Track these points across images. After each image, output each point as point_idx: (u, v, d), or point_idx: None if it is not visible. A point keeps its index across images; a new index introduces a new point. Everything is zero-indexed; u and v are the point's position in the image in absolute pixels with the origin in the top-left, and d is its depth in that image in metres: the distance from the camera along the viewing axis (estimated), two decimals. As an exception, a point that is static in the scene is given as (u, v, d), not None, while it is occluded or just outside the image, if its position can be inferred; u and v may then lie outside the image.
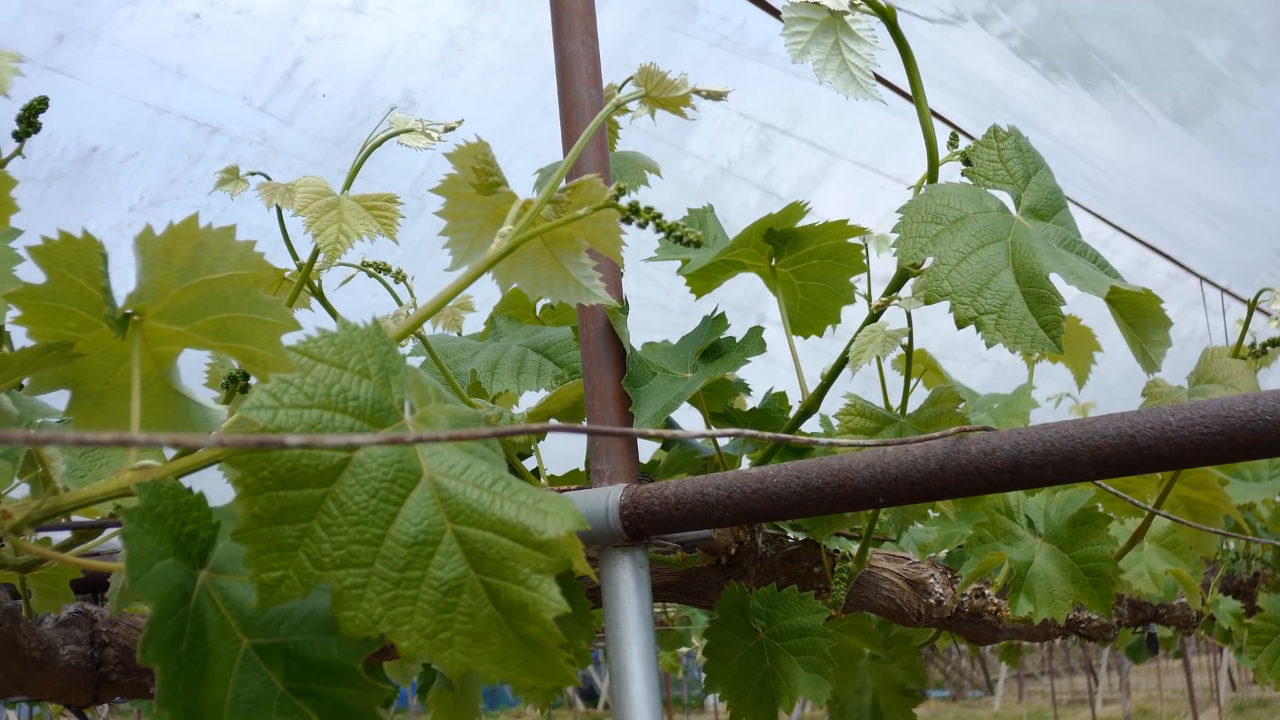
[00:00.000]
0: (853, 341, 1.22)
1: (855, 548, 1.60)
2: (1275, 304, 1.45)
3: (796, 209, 1.31)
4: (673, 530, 1.17)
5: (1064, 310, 1.09)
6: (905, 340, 1.22)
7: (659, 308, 2.72)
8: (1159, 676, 20.13)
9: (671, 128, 2.37)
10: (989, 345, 1.09)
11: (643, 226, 0.82)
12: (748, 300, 3.03)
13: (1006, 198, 1.17)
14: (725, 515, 1.12)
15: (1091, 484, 1.58)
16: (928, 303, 1.13)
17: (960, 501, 1.81)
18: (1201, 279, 4.15)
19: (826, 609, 1.32)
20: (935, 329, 3.68)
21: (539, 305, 1.74)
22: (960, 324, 1.10)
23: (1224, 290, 4.61)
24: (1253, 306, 1.54)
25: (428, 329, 1.77)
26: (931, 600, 1.66)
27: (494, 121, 2.54)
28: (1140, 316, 1.18)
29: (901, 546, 1.61)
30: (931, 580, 1.67)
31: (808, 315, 1.45)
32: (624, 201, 0.89)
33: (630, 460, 1.25)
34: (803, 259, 1.38)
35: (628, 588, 1.19)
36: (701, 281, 1.48)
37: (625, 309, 1.27)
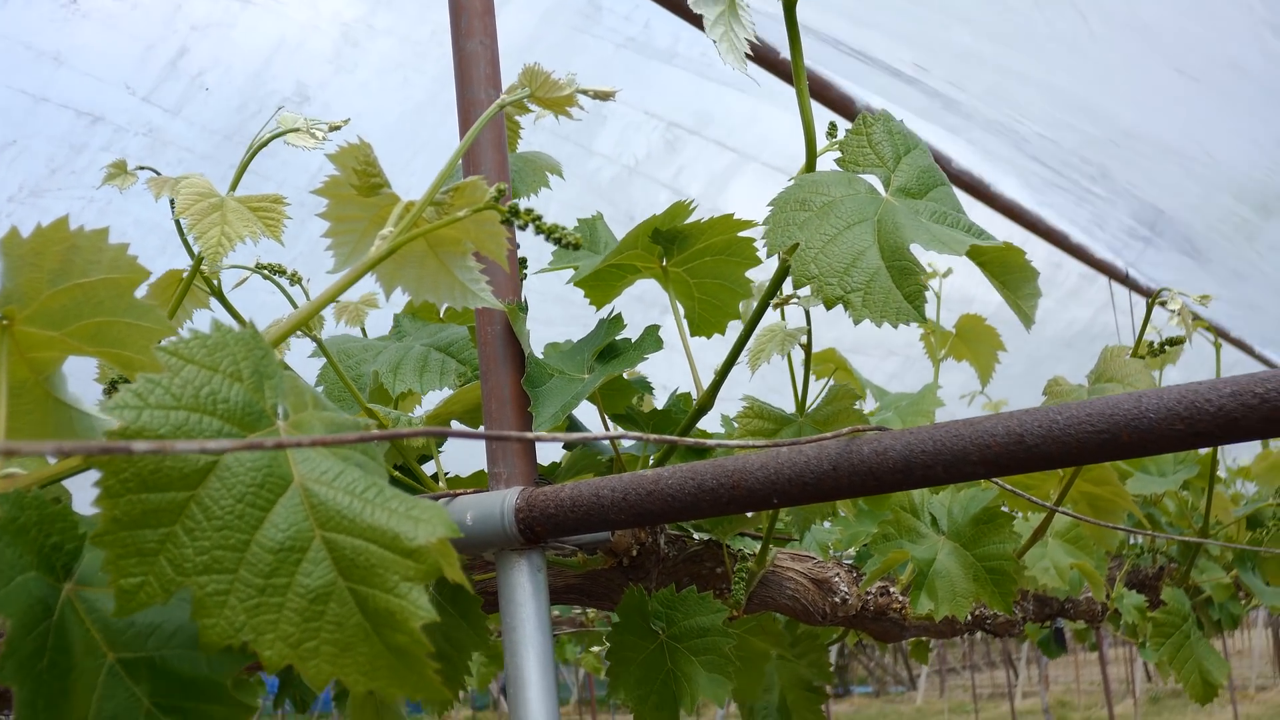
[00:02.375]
0: (747, 339, 1.22)
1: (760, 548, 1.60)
2: (1174, 303, 1.47)
3: (681, 208, 1.31)
4: (569, 533, 1.16)
5: (930, 282, 1.10)
6: (804, 339, 1.22)
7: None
8: (1077, 669, 20.46)
9: (577, 128, 2.35)
10: (856, 321, 1.10)
11: (522, 228, 0.81)
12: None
13: (876, 180, 1.17)
14: (621, 517, 1.12)
15: (994, 483, 1.59)
16: (826, 305, 1.13)
17: (867, 500, 1.82)
18: (1112, 277, 4.22)
19: (726, 609, 1.31)
20: (848, 326, 3.71)
21: (443, 306, 1.73)
22: (828, 304, 1.10)
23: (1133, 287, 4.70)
24: (1152, 304, 1.56)
25: (331, 327, 1.75)
26: (836, 599, 1.67)
27: (393, 119, 2.51)
28: (1009, 273, 1.19)
29: (804, 545, 1.62)
30: (836, 579, 1.67)
31: (707, 314, 1.45)
32: (522, 206, 0.88)
33: (528, 463, 1.24)
34: (694, 257, 1.37)
35: (524, 591, 1.18)
36: (598, 291, 1.47)
37: (524, 309, 1.26)
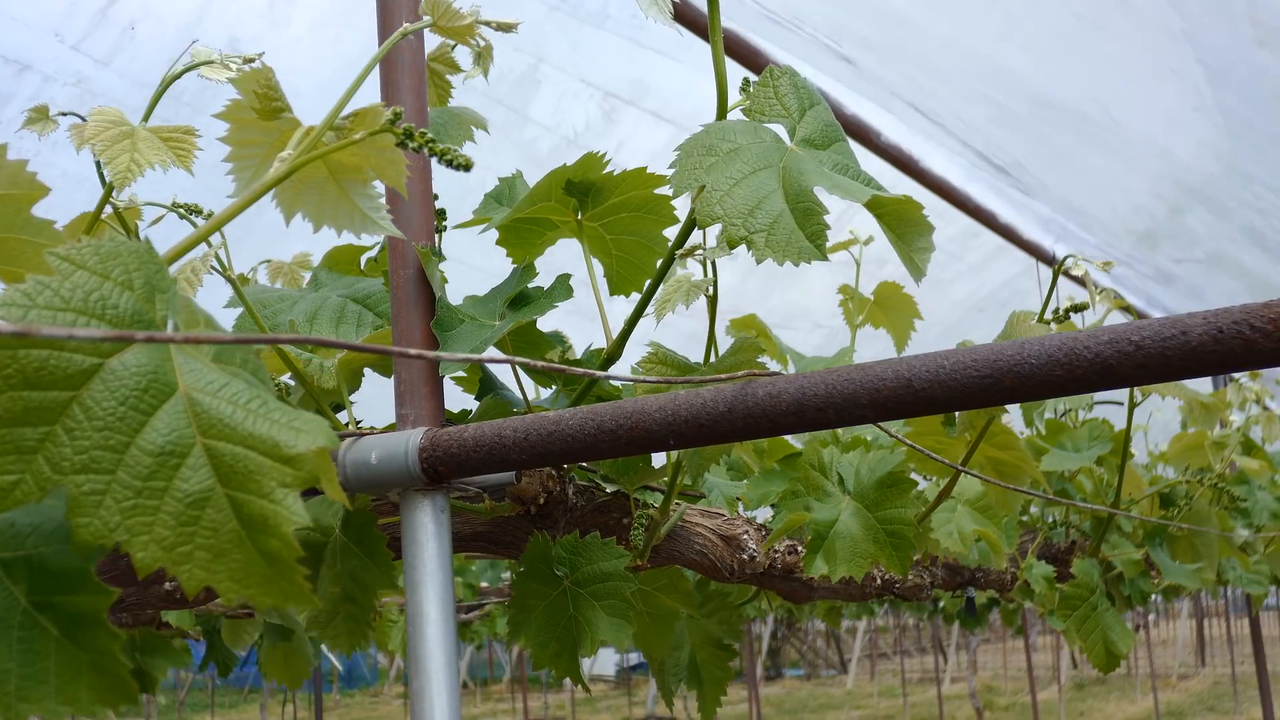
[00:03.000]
0: (655, 290, 1.24)
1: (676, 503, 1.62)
2: (1077, 269, 1.50)
3: (593, 159, 1.32)
4: (472, 473, 1.18)
5: (829, 225, 1.12)
6: (710, 290, 1.23)
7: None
8: (1005, 656, 20.75)
9: (511, 90, 2.35)
10: (759, 260, 1.12)
11: (417, 151, 0.82)
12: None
13: (782, 130, 1.20)
14: (522, 457, 1.13)
15: (902, 444, 1.62)
16: (730, 245, 1.15)
17: (781, 460, 1.85)
18: (1037, 258, 4.28)
19: (628, 554, 1.33)
20: (782, 299, 3.77)
21: (363, 259, 1.73)
22: (732, 244, 1.12)
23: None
24: (1058, 272, 1.60)
25: (265, 282, 1.75)
26: (745, 556, 1.69)
27: (327, 75, 2.50)
28: (905, 225, 1.22)
29: (712, 502, 1.64)
30: (745, 536, 1.70)
31: (625, 272, 1.46)
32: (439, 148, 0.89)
33: (435, 405, 1.25)
34: (610, 212, 1.39)
35: (426, 531, 1.19)
36: (520, 249, 1.48)
37: (437, 253, 1.27)
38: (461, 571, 5.73)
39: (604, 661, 23.91)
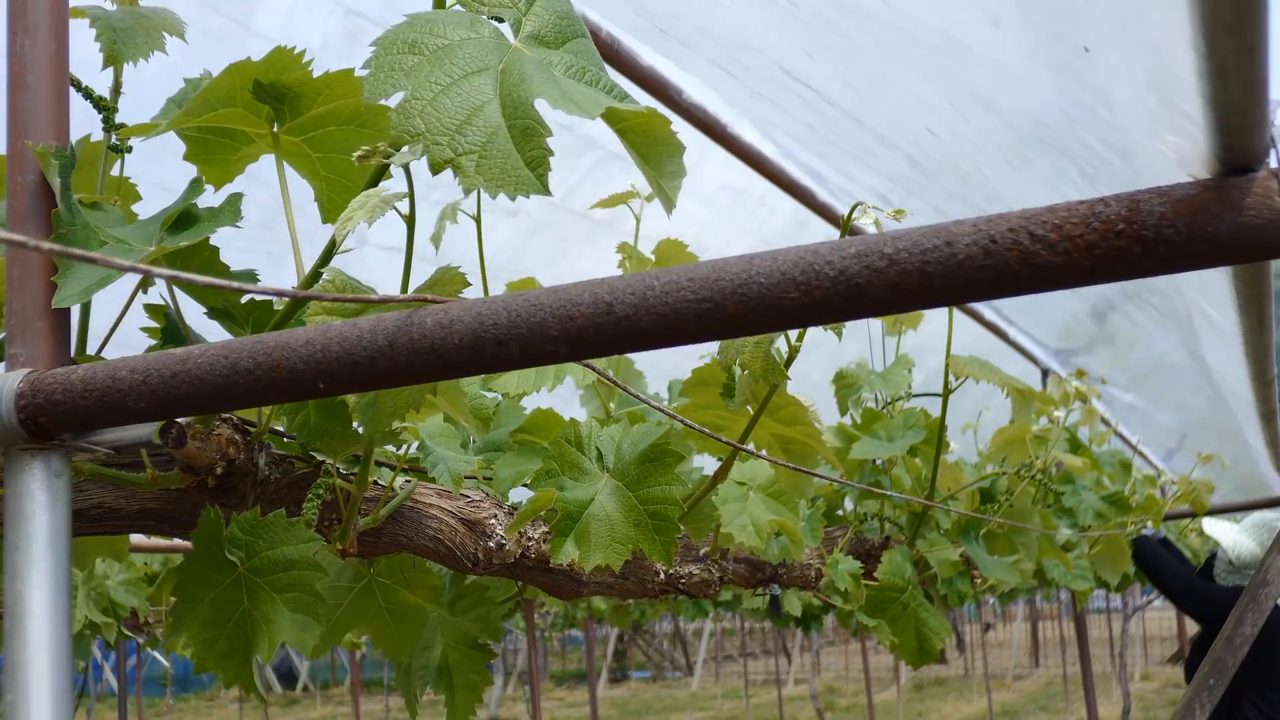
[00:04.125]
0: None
1: (401, 479, 1.38)
2: (864, 217, 1.31)
3: (287, 56, 1.08)
4: (82, 425, 0.93)
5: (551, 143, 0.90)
6: (404, 206, 1.00)
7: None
8: (847, 658, 20.95)
9: (228, -5, 2.04)
10: (467, 190, 0.89)
11: None
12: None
13: (505, 24, 0.97)
14: (142, 405, 0.89)
15: (674, 418, 1.41)
16: (433, 169, 0.92)
17: (535, 433, 1.62)
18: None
19: (316, 537, 1.09)
20: (571, 268, 3.49)
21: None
22: (435, 168, 0.90)
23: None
24: (846, 222, 1.39)
25: None
26: (492, 544, 1.46)
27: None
28: (652, 145, 1.01)
29: (437, 479, 1.40)
30: (493, 521, 1.47)
31: (339, 196, 1.22)
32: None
33: (57, 346, 0.99)
34: (314, 125, 1.15)
35: (34, 501, 0.94)
36: (214, 168, 1.23)
37: (66, 159, 1.01)
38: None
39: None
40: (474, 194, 1.78)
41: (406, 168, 0.97)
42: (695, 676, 22.19)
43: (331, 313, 0.96)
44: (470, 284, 1.00)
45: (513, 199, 0.97)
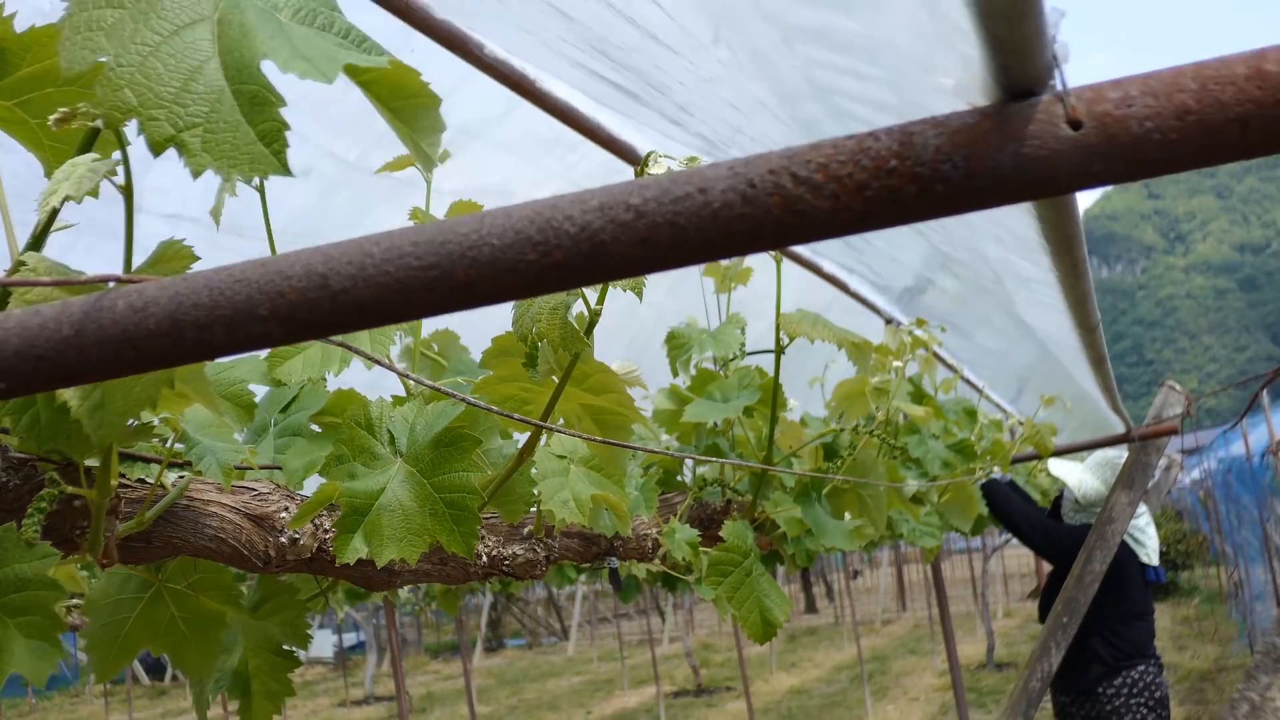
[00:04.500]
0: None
1: (174, 475, 1.26)
2: (656, 167, 1.22)
3: (-20, 0, 0.95)
4: None
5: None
6: (117, 176, 0.88)
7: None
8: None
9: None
10: (196, 173, 0.77)
11: None
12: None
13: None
14: None
15: (465, 400, 1.30)
16: (154, 148, 0.80)
17: (316, 417, 1.51)
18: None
19: (53, 553, 0.97)
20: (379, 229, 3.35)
21: None
22: (156, 148, 0.77)
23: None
24: (641, 168, 1.30)
25: None
26: (284, 539, 1.35)
27: None
28: (402, 99, 0.90)
29: (204, 472, 1.28)
30: (285, 515, 1.35)
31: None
32: None
33: None
34: (28, 86, 1.01)
35: None
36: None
37: None
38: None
39: (321, 644, 23.17)
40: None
41: (118, 130, 0.85)
42: (571, 641, 22.21)
43: (30, 301, 0.83)
44: (199, 258, 0.88)
45: (248, 182, 0.85)
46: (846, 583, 18.24)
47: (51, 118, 0.83)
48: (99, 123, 0.82)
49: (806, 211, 0.62)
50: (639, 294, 1.22)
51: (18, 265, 0.86)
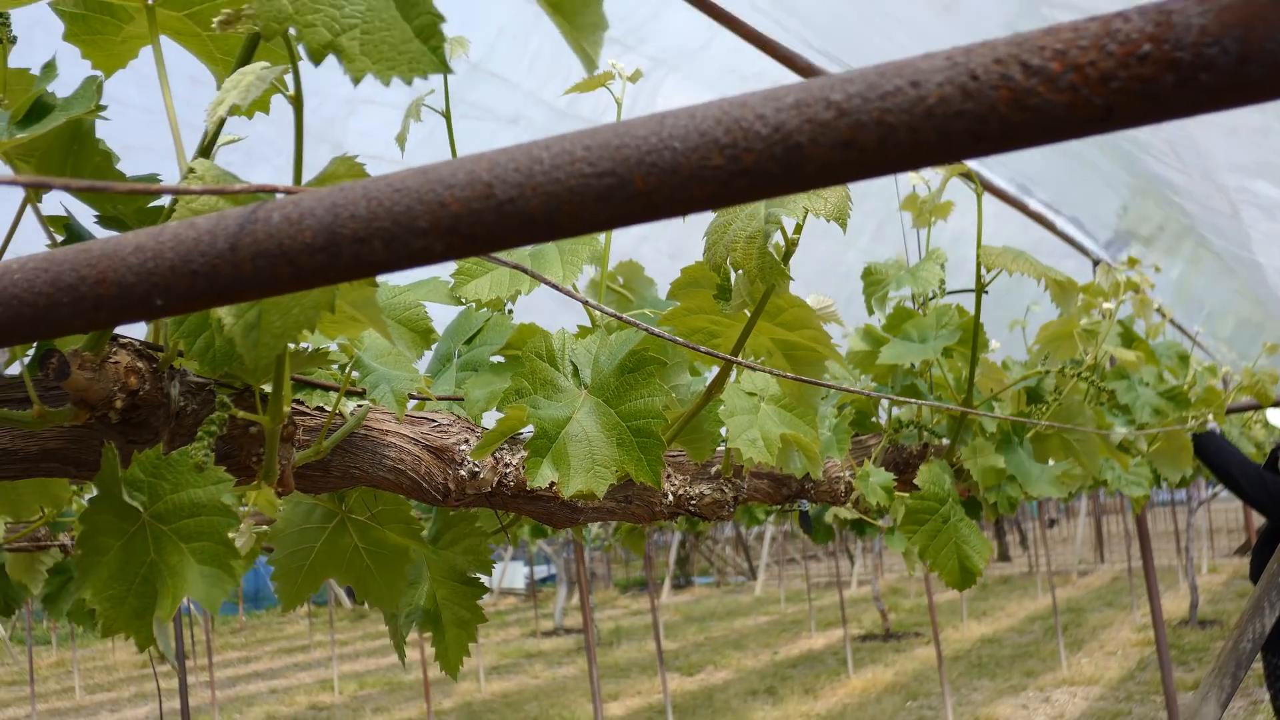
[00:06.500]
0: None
1: (353, 403, 1.23)
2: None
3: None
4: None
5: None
6: (289, 84, 0.83)
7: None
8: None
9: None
10: (356, 78, 0.72)
11: None
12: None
13: None
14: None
15: (650, 331, 1.24)
16: (314, 57, 0.76)
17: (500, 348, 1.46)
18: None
19: (228, 479, 0.94)
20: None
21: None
22: (317, 57, 0.73)
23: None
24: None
25: None
26: (464, 473, 1.31)
27: None
28: (565, -3, 0.84)
29: (378, 400, 1.24)
30: (465, 447, 1.31)
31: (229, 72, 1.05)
32: None
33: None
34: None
35: None
36: (95, 48, 1.05)
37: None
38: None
39: (513, 575, 23.77)
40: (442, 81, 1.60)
41: (286, 35, 0.81)
42: (759, 581, 22.22)
43: (198, 210, 0.80)
44: (370, 176, 0.83)
45: (408, 82, 0.80)
46: (1042, 531, 17.75)
47: (215, 19, 0.79)
48: (260, 27, 0.78)
49: (1039, 107, 0.53)
50: (843, 224, 1.13)
51: (188, 172, 0.82)
